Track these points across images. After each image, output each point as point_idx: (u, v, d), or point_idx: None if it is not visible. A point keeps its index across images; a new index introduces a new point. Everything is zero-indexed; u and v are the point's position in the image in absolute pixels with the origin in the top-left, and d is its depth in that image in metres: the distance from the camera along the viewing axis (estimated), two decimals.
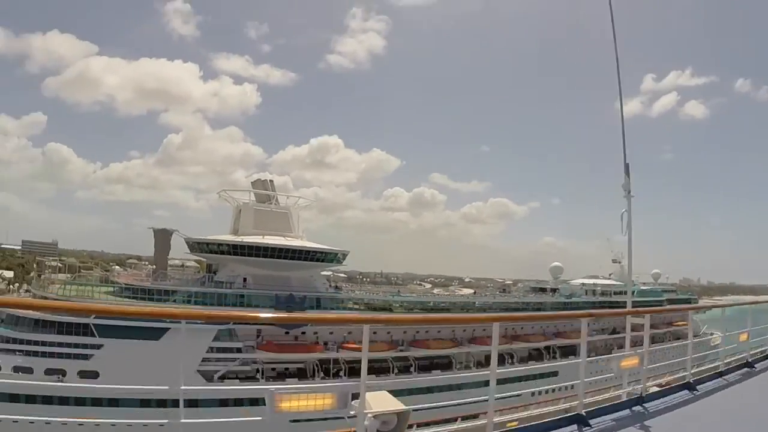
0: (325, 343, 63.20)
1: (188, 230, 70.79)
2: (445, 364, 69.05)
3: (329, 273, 78.25)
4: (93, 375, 54.56)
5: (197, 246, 66.98)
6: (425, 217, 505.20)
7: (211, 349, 57.58)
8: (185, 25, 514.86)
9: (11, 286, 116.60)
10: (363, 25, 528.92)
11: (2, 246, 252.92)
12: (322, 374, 61.35)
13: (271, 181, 74.02)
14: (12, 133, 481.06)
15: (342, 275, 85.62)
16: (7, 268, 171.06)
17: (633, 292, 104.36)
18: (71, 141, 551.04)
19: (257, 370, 59.29)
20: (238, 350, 59.29)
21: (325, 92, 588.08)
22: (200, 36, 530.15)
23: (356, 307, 68.53)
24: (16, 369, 53.45)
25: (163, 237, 68.48)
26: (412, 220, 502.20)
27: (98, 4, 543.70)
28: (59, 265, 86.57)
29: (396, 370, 64.35)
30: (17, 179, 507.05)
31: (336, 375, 61.41)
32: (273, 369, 60.89)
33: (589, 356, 9.32)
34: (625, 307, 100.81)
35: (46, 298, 59.70)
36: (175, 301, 59.67)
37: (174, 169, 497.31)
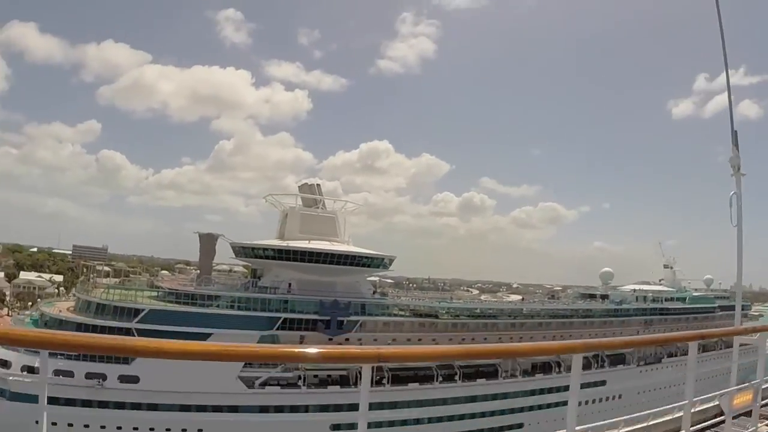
0: None
1: (239, 236, 71.33)
2: (490, 372, 67.81)
3: (376, 278, 77.59)
4: (133, 380, 54.69)
5: (242, 250, 67.20)
6: (474, 222, 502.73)
7: None
8: (237, 32, 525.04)
9: (60, 290, 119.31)
10: (413, 30, 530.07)
11: (54, 250, 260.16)
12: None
13: (318, 185, 73.69)
14: (67, 140, 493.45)
15: (389, 281, 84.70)
16: (58, 273, 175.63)
17: (685, 299, 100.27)
18: (125, 148, 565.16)
19: (299, 377, 59.04)
20: None
21: (376, 97, 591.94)
22: (252, 43, 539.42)
23: (402, 313, 67.95)
24: (57, 372, 53.65)
25: (208, 241, 68.48)
26: (461, 225, 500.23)
27: (151, 14, 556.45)
28: (108, 269, 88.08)
29: (440, 379, 63.58)
30: (71, 185, 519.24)
31: (379, 383, 60.75)
32: (315, 376, 60.61)
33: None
34: (677, 314, 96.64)
35: (89, 301, 60.29)
36: (218, 306, 59.79)
37: (225, 175, 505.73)
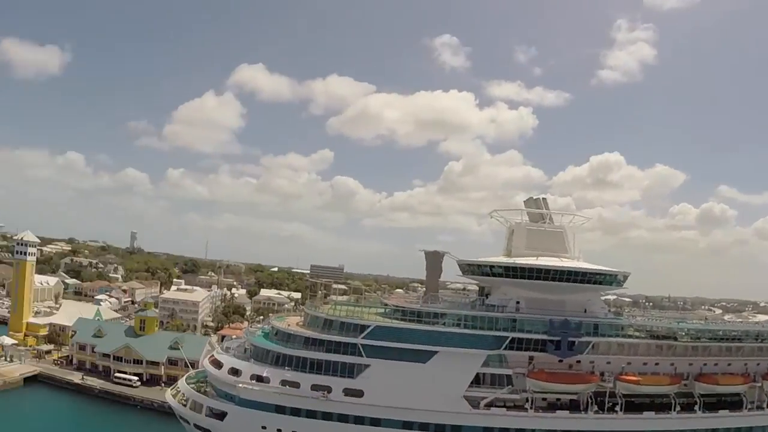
0: (602, 374, 62.78)
1: (471, 255, 73.37)
2: (734, 402, 65.79)
3: (613, 296, 77.59)
4: (358, 393, 59.66)
5: (468, 268, 70.43)
6: (715, 235, 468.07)
7: (479, 375, 60.81)
8: (455, 56, 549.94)
9: (297, 307, 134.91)
10: (629, 36, 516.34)
11: (293, 270, 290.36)
12: (596, 407, 61.60)
13: (544, 198, 74.81)
14: (302, 169, 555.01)
15: (626, 299, 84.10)
16: (296, 290, 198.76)
17: None
18: (357, 173, 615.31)
19: (527, 400, 60.68)
20: (508, 378, 61.36)
21: (600, 108, 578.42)
22: (471, 66, 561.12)
23: (637, 334, 66.94)
24: (284, 383, 60.77)
25: (434, 259, 72.91)
26: (700, 238, 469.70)
27: (370, 47, 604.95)
28: (344, 287, 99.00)
29: (678, 408, 62.89)
30: (309, 210, 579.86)
31: (611, 410, 61.42)
32: (544, 399, 62.18)
33: None
34: None
35: (317, 316, 66.44)
36: (444, 323, 62.79)
37: (456, 196, 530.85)
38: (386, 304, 73.46)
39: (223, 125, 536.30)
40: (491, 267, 67.40)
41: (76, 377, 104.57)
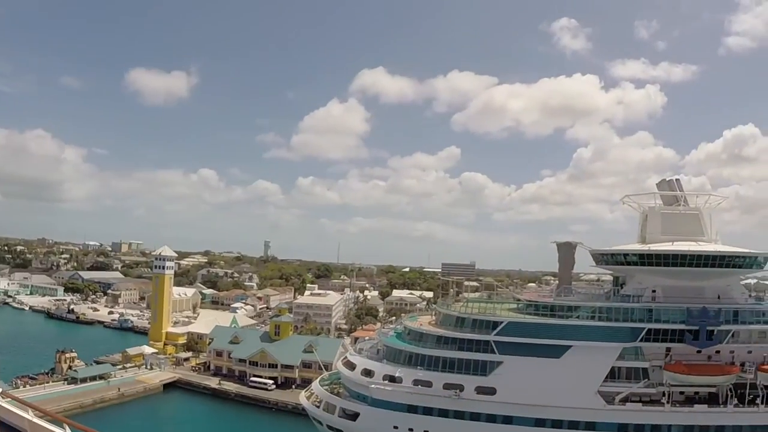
0: (742, 364, 60.69)
1: (605, 243, 72.31)
2: None
3: (754, 280, 74.18)
4: (490, 391, 60.47)
5: (601, 258, 69.67)
6: None
7: (614, 369, 60.14)
8: (575, 39, 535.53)
9: (429, 306, 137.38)
10: None
11: (424, 269, 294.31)
12: (735, 401, 59.40)
13: (677, 179, 73.08)
14: (430, 168, 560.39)
15: None
16: (428, 289, 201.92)
17: None
18: (485, 168, 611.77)
19: (663, 394, 59.54)
20: (644, 371, 60.56)
21: (731, 79, 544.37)
22: (592, 47, 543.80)
23: None
24: (416, 382, 62.49)
25: (566, 250, 72.89)
26: None
27: (489, 39, 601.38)
28: (476, 284, 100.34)
29: None
30: (438, 208, 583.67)
31: (752, 403, 59.45)
32: (681, 393, 60.80)
33: None
34: None
35: (449, 314, 67.95)
36: (578, 317, 62.69)
37: (587, 183, 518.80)
38: (519, 300, 74.18)
39: (349, 131, 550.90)
40: (625, 255, 66.68)
41: (212, 382, 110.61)
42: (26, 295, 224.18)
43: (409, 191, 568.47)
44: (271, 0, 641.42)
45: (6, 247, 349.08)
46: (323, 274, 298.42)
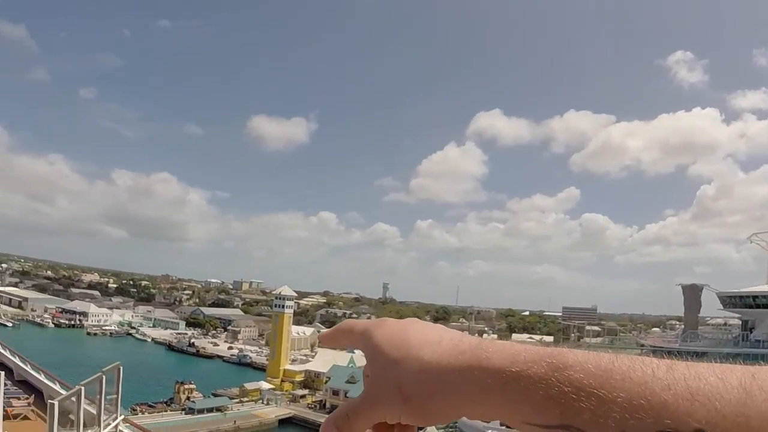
0: None
1: (731, 286, 71.86)
2: None
3: None
4: None
5: (729, 300, 66.45)
6: None
7: None
8: (691, 72, 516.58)
9: None
10: None
11: (545, 313, 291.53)
12: None
13: None
14: (549, 210, 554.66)
15: None
16: (548, 334, 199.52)
17: None
18: (605, 209, 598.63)
19: None
20: None
21: None
22: (710, 79, 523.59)
23: None
24: None
25: (692, 293, 69.92)
26: None
27: (603, 76, 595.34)
28: (597, 329, 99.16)
29: None
30: (558, 251, 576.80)
31: None
32: None
33: None
34: None
35: None
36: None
37: (711, 222, 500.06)
38: (642, 345, 72.69)
39: (466, 174, 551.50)
40: (754, 297, 62.74)
41: None
42: (149, 327, 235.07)
43: (527, 234, 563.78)
44: (387, 50, 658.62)
45: (131, 282, 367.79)
46: (442, 316, 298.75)
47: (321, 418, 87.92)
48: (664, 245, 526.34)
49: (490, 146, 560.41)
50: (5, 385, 20.05)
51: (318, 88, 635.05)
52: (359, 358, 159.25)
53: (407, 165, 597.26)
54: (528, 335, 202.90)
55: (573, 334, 80.00)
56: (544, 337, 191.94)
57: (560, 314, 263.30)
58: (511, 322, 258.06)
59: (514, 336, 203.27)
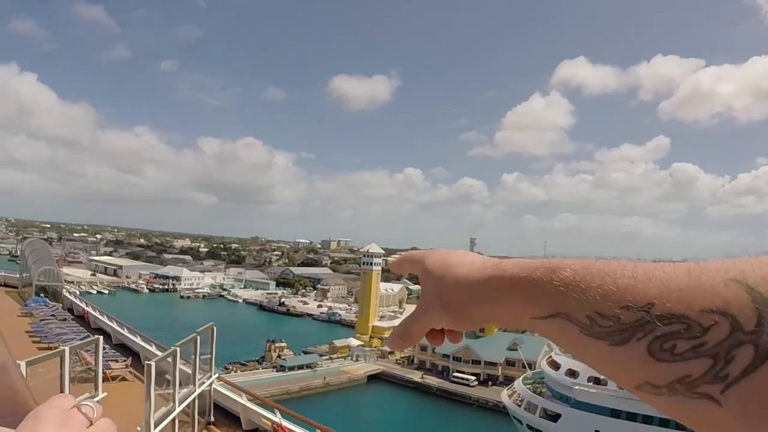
0: None
1: None
2: None
3: None
4: None
5: None
6: None
7: None
8: None
9: None
10: None
11: None
12: None
13: None
14: (638, 160, 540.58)
15: None
16: None
17: None
18: (696, 158, 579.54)
19: None
20: None
21: None
22: None
23: None
24: None
25: None
26: None
27: (690, 18, 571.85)
28: None
29: None
30: (647, 202, 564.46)
31: None
32: None
33: None
34: None
35: None
36: None
37: None
38: None
39: (552, 125, 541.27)
40: None
41: (415, 376, 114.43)
42: (240, 288, 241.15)
43: (616, 185, 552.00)
44: (465, 4, 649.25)
45: (222, 245, 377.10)
46: None
47: (409, 373, 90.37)
48: (758, 196, 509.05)
49: (576, 96, 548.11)
50: (104, 349, 21.06)
51: (399, 44, 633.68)
52: None
53: (491, 118, 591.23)
54: None
55: None
56: None
57: None
58: None
59: None
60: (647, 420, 59.28)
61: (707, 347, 0.64)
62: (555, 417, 66.11)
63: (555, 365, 69.75)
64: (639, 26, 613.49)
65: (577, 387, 64.61)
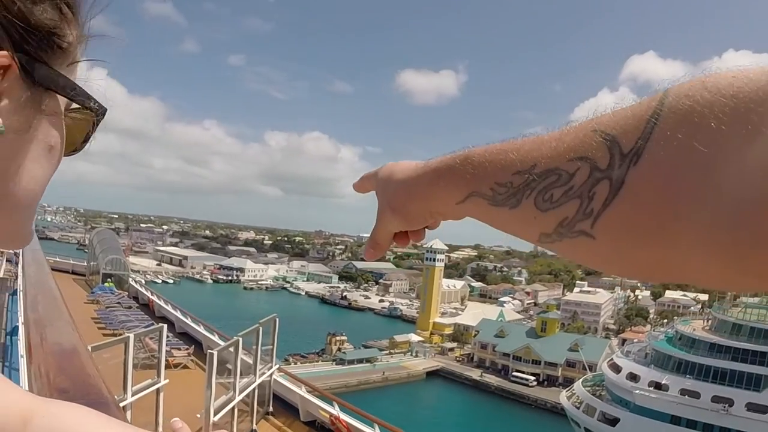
0: None
1: None
2: None
3: None
4: (763, 410, 57.07)
5: None
6: None
7: None
8: None
9: (704, 309, 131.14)
10: None
11: None
12: None
13: None
14: None
15: None
16: (704, 291, 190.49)
17: None
18: None
19: None
20: None
21: None
22: None
23: None
24: (683, 392, 61.07)
25: None
26: None
27: (764, 10, 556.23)
28: None
29: None
30: None
31: None
32: None
33: None
34: None
35: (725, 320, 65.51)
36: None
37: None
38: None
39: None
40: None
41: (474, 374, 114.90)
42: (303, 281, 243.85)
43: None
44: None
45: (286, 238, 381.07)
46: (593, 271, 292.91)
47: (468, 371, 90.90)
48: None
49: (645, 91, 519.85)
50: (167, 337, 22.05)
51: (466, 38, 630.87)
52: (508, 312, 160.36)
53: (559, 112, 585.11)
54: (682, 292, 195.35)
55: (729, 293, 75.92)
56: (699, 294, 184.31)
57: None
58: None
59: (668, 293, 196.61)
60: (708, 428, 58.71)
61: (574, 190, 0.74)
62: (614, 421, 65.61)
63: (616, 368, 69.42)
64: (710, 18, 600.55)
65: (637, 391, 63.82)
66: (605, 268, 0.76)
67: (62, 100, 0.81)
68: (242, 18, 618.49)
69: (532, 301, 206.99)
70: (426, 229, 1.31)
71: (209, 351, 17.88)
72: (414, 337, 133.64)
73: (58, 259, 57.92)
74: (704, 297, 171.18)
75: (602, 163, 0.73)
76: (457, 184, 0.99)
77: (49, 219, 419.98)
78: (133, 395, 18.00)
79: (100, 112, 0.91)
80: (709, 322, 71.61)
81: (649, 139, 0.68)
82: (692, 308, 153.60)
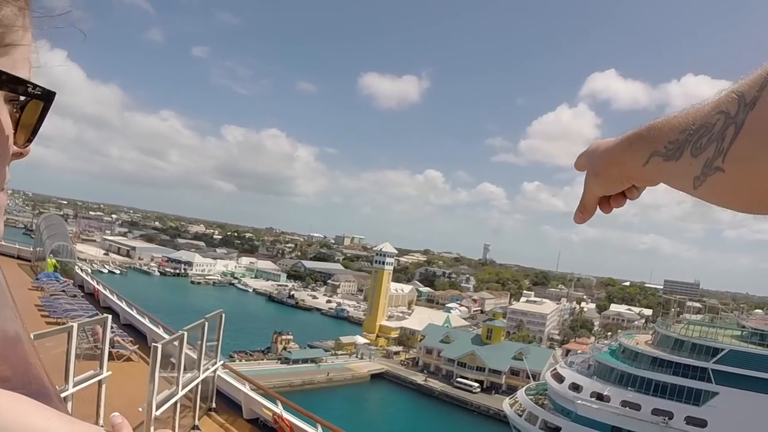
0: None
1: None
2: None
3: None
4: (700, 423, 58.28)
5: None
6: None
7: None
8: None
9: (647, 324, 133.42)
10: None
11: (645, 284, 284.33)
12: None
13: None
14: None
15: None
16: (647, 306, 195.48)
17: None
18: None
19: None
20: None
21: None
22: None
23: None
24: (624, 404, 61.89)
25: None
26: None
27: (721, 42, 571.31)
28: (698, 305, 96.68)
29: None
30: (667, 221, 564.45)
31: None
32: None
33: None
34: None
35: (667, 335, 65.98)
36: None
37: None
38: (743, 326, 70.18)
39: (577, 137, 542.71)
40: None
41: (419, 378, 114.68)
42: (251, 278, 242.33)
43: (637, 201, 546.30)
44: (502, 8, 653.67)
45: (236, 234, 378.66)
46: (541, 281, 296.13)
47: (413, 375, 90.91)
48: None
49: (604, 109, 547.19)
50: (111, 328, 21.29)
51: (431, 47, 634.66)
52: (455, 318, 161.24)
53: (518, 125, 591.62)
54: (627, 306, 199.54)
55: (673, 309, 77.52)
56: (644, 309, 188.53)
57: (661, 287, 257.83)
58: (610, 292, 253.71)
59: (613, 306, 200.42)
60: None
61: (714, 135, 0.93)
62: (555, 430, 66.34)
63: (559, 378, 70.10)
64: (671, 42, 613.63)
65: (579, 401, 64.65)
66: (735, 202, 0.94)
67: None
68: (212, 11, 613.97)
69: (479, 308, 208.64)
70: (627, 199, 1.56)
71: (153, 344, 17.13)
72: (360, 339, 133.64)
73: (3, 243, 56.21)
74: (648, 312, 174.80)
75: (732, 112, 0.90)
76: (642, 147, 1.20)
77: None
78: (74, 386, 17.24)
79: (44, 96, 0.86)
80: (653, 336, 72.31)
81: (764, 89, 0.85)
82: (636, 322, 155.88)
